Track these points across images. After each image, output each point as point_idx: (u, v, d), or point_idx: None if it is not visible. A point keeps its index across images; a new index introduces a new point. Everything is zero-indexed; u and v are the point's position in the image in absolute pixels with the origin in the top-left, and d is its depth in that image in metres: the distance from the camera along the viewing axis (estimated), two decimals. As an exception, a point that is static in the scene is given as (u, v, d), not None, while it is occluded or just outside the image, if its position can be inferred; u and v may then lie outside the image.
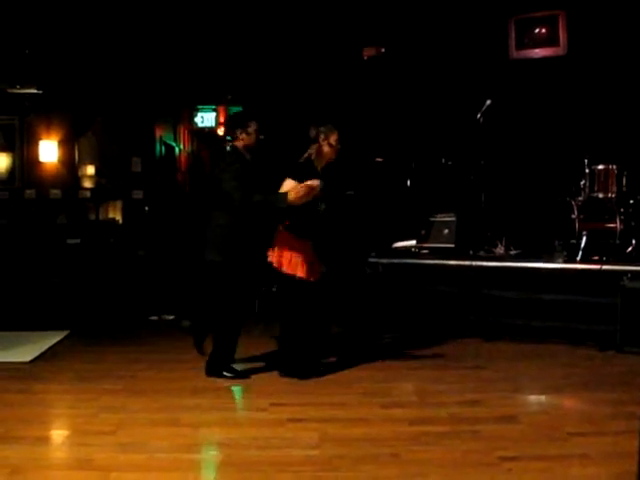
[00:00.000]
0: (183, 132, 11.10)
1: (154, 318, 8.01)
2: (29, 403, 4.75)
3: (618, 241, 6.84)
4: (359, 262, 7.47)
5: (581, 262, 6.67)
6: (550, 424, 4.15)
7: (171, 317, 8.05)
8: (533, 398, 4.98)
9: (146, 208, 9.00)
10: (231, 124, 5.58)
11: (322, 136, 5.31)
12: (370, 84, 8.81)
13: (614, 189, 7.03)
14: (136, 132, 9.01)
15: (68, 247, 8.63)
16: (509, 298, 6.70)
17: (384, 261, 7.40)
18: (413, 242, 8.02)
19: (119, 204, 9.10)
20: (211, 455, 3.95)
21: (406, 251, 7.91)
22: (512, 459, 3.59)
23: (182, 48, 8.84)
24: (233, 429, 4.29)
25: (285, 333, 5.33)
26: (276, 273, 5.26)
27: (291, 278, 5.18)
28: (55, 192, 8.94)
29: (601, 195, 7.06)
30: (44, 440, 4.12)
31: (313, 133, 5.34)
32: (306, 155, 5.35)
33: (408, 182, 8.43)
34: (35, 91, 8.79)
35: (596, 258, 6.69)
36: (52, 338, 6.76)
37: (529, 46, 8.70)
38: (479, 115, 7.61)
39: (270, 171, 5.47)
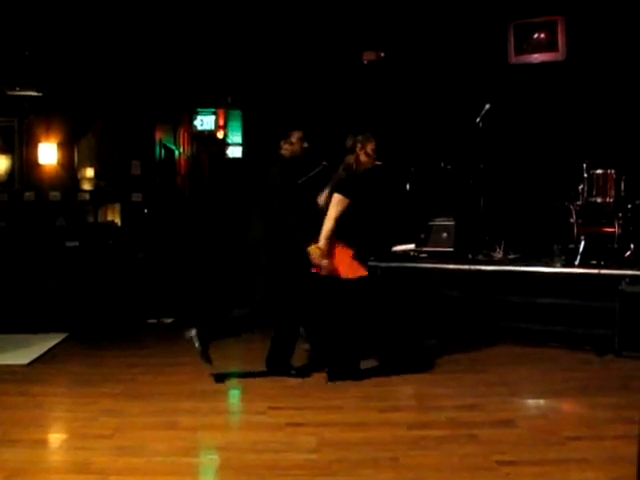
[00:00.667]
0: (183, 135, 11.11)
1: (153, 321, 8.01)
2: (27, 406, 4.75)
3: (616, 245, 6.86)
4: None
5: (579, 266, 6.68)
6: (548, 428, 4.15)
7: (170, 320, 8.05)
8: (531, 402, 4.97)
9: (145, 211, 8.99)
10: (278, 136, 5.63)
11: (359, 145, 5.34)
12: (370, 88, 8.83)
13: (612, 193, 7.05)
14: (136, 135, 9.01)
15: (67, 249, 8.62)
16: (507, 302, 6.71)
17: (383, 265, 7.40)
18: (412, 246, 8.03)
19: (118, 207, 9.09)
20: (210, 459, 3.94)
21: (405, 255, 7.91)
22: (510, 463, 3.59)
23: (182, 51, 8.85)
24: (232, 433, 4.30)
25: (339, 337, 5.31)
26: (326, 282, 5.26)
27: (352, 282, 5.18)
28: (54, 194, 8.93)
29: (599, 199, 7.08)
30: (42, 443, 4.12)
31: (350, 143, 5.37)
32: (344, 166, 5.35)
33: (407, 186, 8.43)
34: (34, 93, 8.78)
35: (594, 262, 6.70)
36: (50, 341, 6.76)
37: (528, 51, 8.72)
38: (478, 119, 7.62)
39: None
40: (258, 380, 5.32)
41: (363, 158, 5.35)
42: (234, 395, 5.08)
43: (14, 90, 8.76)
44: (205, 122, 11.43)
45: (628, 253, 6.87)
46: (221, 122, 11.54)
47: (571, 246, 6.96)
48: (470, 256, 7.48)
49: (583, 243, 6.83)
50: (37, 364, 5.97)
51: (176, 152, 10.62)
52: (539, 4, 8.58)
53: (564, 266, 6.76)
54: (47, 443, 4.19)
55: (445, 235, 7.81)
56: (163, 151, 9.72)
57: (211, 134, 11.53)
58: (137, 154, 9.04)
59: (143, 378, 5.48)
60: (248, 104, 9.84)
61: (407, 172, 8.46)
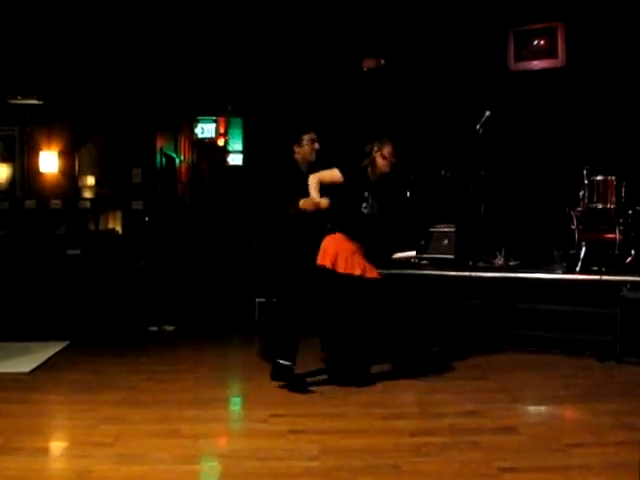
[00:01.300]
0: (183, 143, 11.13)
1: (154, 329, 8.00)
2: (28, 414, 4.74)
3: (617, 252, 6.85)
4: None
5: (580, 273, 6.68)
6: (550, 435, 4.15)
7: (171, 328, 8.05)
8: (533, 409, 4.97)
9: (146, 219, 9.00)
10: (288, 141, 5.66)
11: (375, 148, 5.42)
12: (370, 95, 8.84)
13: (613, 200, 7.05)
14: (137, 143, 9.03)
15: (68, 258, 8.63)
16: (508, 309, 6.71)
17: (383, 272, 7.39)
18: (413, 253, 8.03)
19: (119, 215, 9.11)
20: (211, 466, 3.94)
21: (405, 262, 7.91)
22: (512, 470, 3.58)
23: (182, 59, 8.88)
24: (233, 440, 4.29)
25: (346, 340, 5.33)
26: (329, 277, 5.25)
27: (349, 278, 5.20)
28: (55, 202, 8.94)
29: (600, 206, 7.08)
30: (43, 451, 4.10)
31: (368, 147, 5.47)
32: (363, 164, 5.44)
33: (408, 193, 8.44)
34: (36, 101, 8.80)
35: (595, 269, 6.70)
36: (52, 349, 6.76)
37: (528, 58, 8.73)
38: (478, 126, 7.63)
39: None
40: (260, 387, 5.31)
41: (379, 161, 5.43)
42: (236, 403, 5.07)
43: (15, 99, 8.79)
44: (206, 130, 11.48)
45: (629, 259, 6.87)
46: (222, 130, 11.58)
47: (572, 252, 6.96)
48: (471, 263, 7.49)
49: (584, 249, 6.83)
50: (38, 372, 5.97)
51: (177, 160, 10.64)
52: (539, 11, 8.60)
53: (565, 272, 6.76)
54: (48, 451, 4.18)
55: (446, 242, 7.82)
56: (164, 159, 9.74)
57: (212, 142, 11.58)
58: (138, 162, 9.05)
59: (144, 386, 5.47)
60: (249, 112, 9.85)
61: (407, 179, 8.47)
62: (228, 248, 9.39)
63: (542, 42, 8.66)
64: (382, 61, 9.08)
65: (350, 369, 5.32)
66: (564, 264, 6.93)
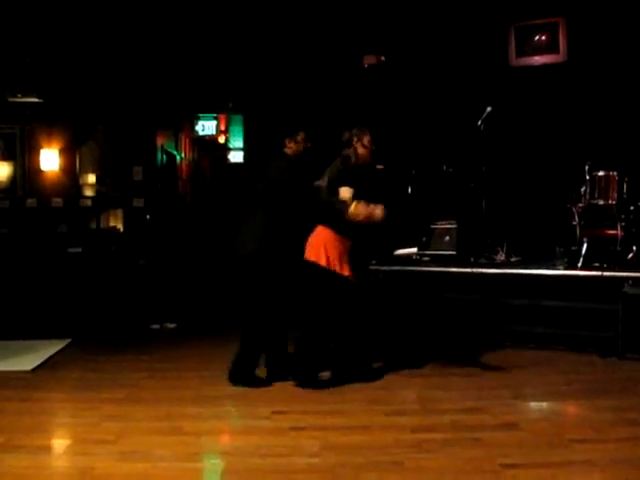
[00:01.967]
0: (184, 140, 11.12)
1: (155, 326, 8.02)
2: (30, 412, 4.75)
3: (619, 248, 6.84)
4: (360, 269, 7.46)
5: (582, 269, 6.67)
6: (552, 431, 4.15)
7: (172, 325, 8.06)
8: (535, 405, 4.97)
9: (147, 216, 9.01)
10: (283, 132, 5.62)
11: (355, 138, 5.35)
12: (371, 92, 8.83)
13: (615, 196, 7.03)
14: (137, 140, 9.03)
15: (69, 256, 8.63)
16: (510, 305, 6.70)
17: (385, 268, 7.40)
18: (414, 249, 8.02)
19: (120, 212, 9.11)
20: (213, 464, 3.94)
21: (407, 258, 7.91)
22: (514, 466, 3.58)
23: (183, 56, 8.87)
24: (235, 437, 4.30)
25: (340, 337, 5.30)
26: (316, 272, 5.19)
27: (337, 276, 5.16)
28: (56, 201, 8.94)
29: (602, 202, 7.07)
30: (46, 449, 4.12)
31: (346, 136, 5.37)
32: (342, 159, 5.35)
33: (409, 189, 8.43)
34: (36, 100, 8.80)
35: (597, 265, 6.70)
36: (53, 347, 6.76)
37: (529, 53, 8.72)
38: (480, 122, 7.62)
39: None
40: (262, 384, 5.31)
41: (361, 150, 5.36)
42: (238, 400, 5.06)
43: (16, 97, 8.79)
44: (206, 127, 11.46)
45: (631, 255, 6.86)
46: (222, 127, 11.57)
47: (574, 248, 6.95)
48: (472, 259, 7.48)
49: (585, 245, 6.82)
50: (40, 370, 5.98)
51: (177, 157, 10.63)
52: (540, 6, 8.59)
53: (567, 268, 6.75)
54: (51, 449, 4.19)
55: (447, 238, 7.80)
56: (164, 157, 9.73)
57: (212, 139, 11.56)
58: (139, 160, 9.05)
59: (146, 383, 5.48)
60: (249, 109, 9.84)
61: (409, 175, 8.45)
62: (229, 245, 9.38)
63: (543, 37, 8.64)
64: (383, 57, 9.07)
65: (351, 365, 5.30)
66: (565, 260, 6.92)
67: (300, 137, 5.47)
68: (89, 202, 9.06)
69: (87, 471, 3.65)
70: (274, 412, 4.61)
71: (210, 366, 5.86)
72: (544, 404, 4.94)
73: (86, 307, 8.14)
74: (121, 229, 9.09)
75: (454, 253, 7.68)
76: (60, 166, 8.97)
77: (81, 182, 9.09)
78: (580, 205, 7.13)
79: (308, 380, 5.18)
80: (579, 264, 6.75)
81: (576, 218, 7.02)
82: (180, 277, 8.93)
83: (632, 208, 6.99)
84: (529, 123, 8.44)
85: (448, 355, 6.20)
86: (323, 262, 5.14)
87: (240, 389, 5.19)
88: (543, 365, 5.86)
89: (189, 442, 4.10)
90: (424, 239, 7.95)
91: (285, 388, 5.20)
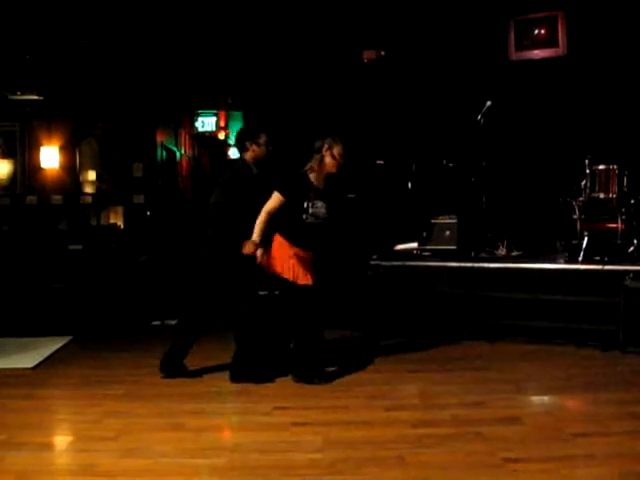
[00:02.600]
0: (184, 137, 11.12)
1: (157, 323, 8.01)
2: (32, 409, 4.75)
3: (620, 241, 6.84)
4: (361, 265, 7.47)
5: (583, 262, 6.66)
6: (554, 425, 4.15)
7: (174, 322, 8.05)
8: (536, 399, 4.97)
9: (148, 213, 9.00)
10: (241, 135, 5.55)
11: (325, 146, 5.23)
12: (370, 87, 8.83)
13: (615, 189, 7.02)
14: (137, 137, 9.02)
15: (70, 253, 8.63)
16: (511, 299, 6.70)
17: (385, 263, 7.40)
18: (415, 244, 8.03)
19: (120, 209, 9.11)
20: (215, 460, 3.94)
21: (408, 253, 7.91)
22: (516, 460, 3.58)
23: (182, 53, 8.86)
24: (237, 433, 4.30)
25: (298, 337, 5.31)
26: (268, 277, 5.30)
27: (285, 281, 5.21)
28: (56, 198, 8.94)
29: (602, 195, 7.06)
30: (48, 446, 4.12)
31: (318, 144, 5.27)
32: (307, 167, 5.28)
33: (409, 184, 8.42)
34: (36, 97, 8.80)
35: (598, 258, 6.69)
36: (55, 344, 6.77)
37: (529, 47, 8.71)
38: (479, 116, 7.61)
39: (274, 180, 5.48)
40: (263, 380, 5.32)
41: (328, 160, 5.23)
42: (239, 396, 5.06)
43: (16, 94, 8.78)
44: (206, 123, 11.46)
45: (631, 249, 6.85)
46: (222, 123, 11.56)
47: (574, 242, 6.95)
48: (473, 254, 7.47)
49: (586, 239, 6.81)
50: (42, 367, 5.98)
51: (177, 154, 10.63)
52: (539, 0, 8.58)
53: (567, 262, 6.75)
54: (52, 446, 4.19)
55: (448, 233, 7.81)
56: (164, 153, 9.73)
57: (212, 135, 11.55)
58: (138, 156, 9.05)
59: (148, 380, 5.47)
60: (249, 105, 9.84)
61: (409, 170, 8.45)
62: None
63: (543, 31, 8.64)
64: (382, 52, 9.06)
65: (303, 365, 5.25)
66: (566, 254, 6.92)
67: (262, 140, 5.38)
68: (89, 199, 9.06)
69: (89, 468, 3.65)
70: (275, 408, 4.62)
71: (211, 362, 5.85)
72: (545, 398, 4.94)
73: (87, 304, 8.14)
74: (121, 226, 9.09)
75: (455, 248, 7.68)
76: (60, 163, 8.97)
77: (81, 179, 9.09)
78: (580, 199, 7.12)
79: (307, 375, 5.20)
80: (580, 258, 6.74)
81: (577, 212, 7.02)
82: (181, 273, 8.92)
83: (632, 201, 6.98)
84: (529, 117, 8.43)
85: (449, 350, 6.20)
86: (284, 274, 5.21)
87: (241, 385, 5.19)
88: (544, 359, 5.86)
89: (190, 438, 4.10)
90: (425, 234, 7.95)
91: (286, 384, 5.20)
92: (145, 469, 3.63)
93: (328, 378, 5.27)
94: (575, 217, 7.02)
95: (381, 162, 8.64)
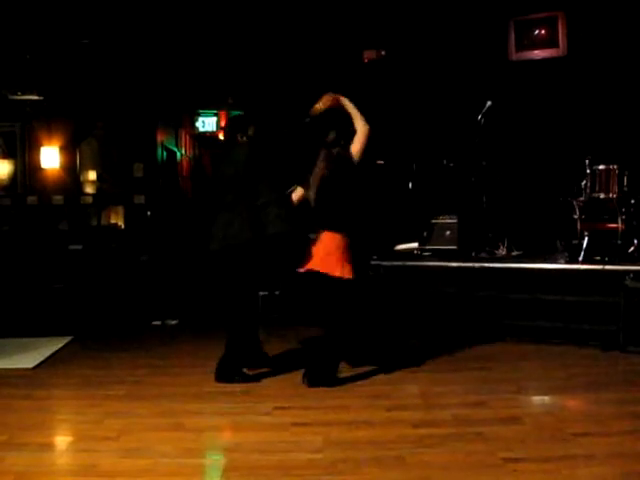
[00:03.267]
0: (184, 137, 11.11)
1: (157, 323, 8.01)
2: (33, 409, 4.75)
3: (620, 241, 6.84)
4: (361, 265, 7.46)
5: (583, 262, 6.67)
6: (554, 425, 4.14)
7: (174, 322, 8.06)
8: (537, 399, 4.97)
9: (148, 213, 9.00)
10: (231, 127, 5.58)
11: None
12: (371, 87, 8.82)
13: (615, 189, 7.02)
14: (137, 137, 9.02)
15: (70, 253, 8.64)
16: (511, 299, 6.70)
17: (386, 263, 7.40)
18: (415, 244, 8.03)
19: (121, 209, 9.11)
20: (215, 460, 3.94)
21: (408, 253, 7.91)
22: (517, 460, 3.58)
23: (183, 53, 8.86)
24: (237, 433, 4.29)
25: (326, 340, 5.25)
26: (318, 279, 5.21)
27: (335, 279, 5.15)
28: (57, 198, 8.94)
29: (602, 195, 7.06)
30: (48, 446, 4.12)
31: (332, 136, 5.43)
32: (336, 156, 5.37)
33: (409, 184, 8.42)
34: (36, 97, 8.79)
35: (598, 258, 6.69)
36: (55, 344, 6.77)
37: (529, 47, 8.72)
38: (480, 116, 7.62)
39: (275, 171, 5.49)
40: (264, 380, 5.32)
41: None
42: (239, 396, 5.06)
43: (16, 94, 8.78)
44: (207, 123, 11.44)
45: (632, 249, 6.86)
46: (223, 123, 11.54)
47: (575, 242, 6.95)
48: (473, 254, 7.48)
49: (586, 239, 6.82)
50: (42, 367, 5.98)
51: (178, 154, 10.62)
52: (539, 0, 8.58)
53: (568, 262, 6.76)
54: (53, 446, 4.19)
55: (448, 233, 7.81)
56: (165, 153, 9.73)
57: (213, 135, 11.53)
58: (139, 156, 9.05)
59: (148, 380, 5.48)
60: (250, 105, 9.83)
61: (409, 170, 8.46)
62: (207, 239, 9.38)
63: (543, 31, 8.64)
64: (383, 52, 9.06)
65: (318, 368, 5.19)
66: (567, 254, 6.92)
67: (251, 131, 5.42)
68: (90, 199, 9.06)
69: (89, 468, 3.65)
70: (276, 408, 4.62)
71: (211, 362, 5.84)
72: (546, 398, 4.94)
73: (87, 304, 8.14)
74: (122, 226, 9.09)
75: (455, 248, 7.69)
76: (60, 163, 8.97)
77: (82, 179, 9.09)
78: (581, 199, 7.13)
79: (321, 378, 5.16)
80: (580, 258, 6.74)
81: (577, 212, 7.02)
82: (181, 273, 8.93)
83: (633, 201, 6.98)
84: (529, 117, 8.44)
85: (449, 350, 6.20)
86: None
87: (241, 385, 5.19)
88: (545, 359, 5.86)
89: (191, 438, 4.10)
90: (425, 234, 7.96)
91: (287, 384, 5.20)
92: (146, 469, 3.63)
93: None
94: (575, 217, 7.03)
95: (381, 162, 8.64)
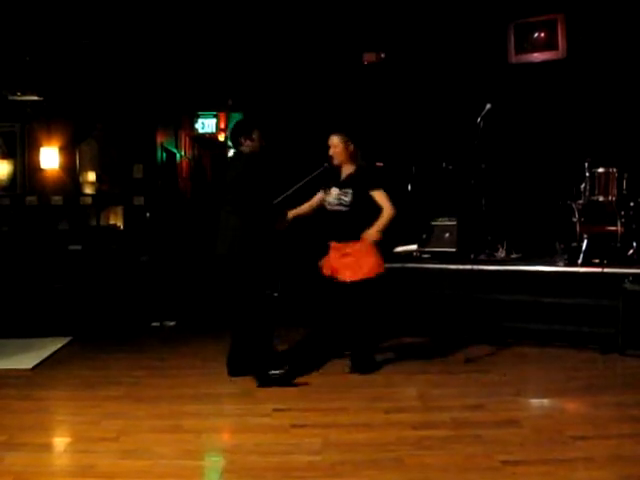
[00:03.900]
0: (184, 138, 11.11)
1: (156, 324, 8.01)
2: (31, 410, 4.75)
3: (619, 244, 6.85)
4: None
5: (582, 265, 6.68)
6: (553, 428, 4.15)
7: (173, 323, 8.06)
8: (536, 402, 4.97)
9: (147, 214, 9.00)
10: (235, 131, 5.58)
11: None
12: (370, 89, 8.83)
13: (614, 192, 7.04)
14: (137, 138, 9.01)
15: (70, 253, 8.63)
16: (510, 302, 6.70)
17: (385, 265, 7.38)
18: (414, 246, 8.03)
19: (120, 210, 9.09)
20: (214, 461, 3.94)
21: (407, 255, 7.91)
22: (515, 463, 3.58)
23: (182, 54, 8.85)
24: (236, 435, 4.29)
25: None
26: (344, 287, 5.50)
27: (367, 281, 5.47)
28: (56, 198, 8.93)
29: (601, 198, 7.08)
30: (47, 447, 4.12)
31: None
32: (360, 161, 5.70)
33: (409, 186, 8.43)
34: (36, 98, 8.78)
35: (597, 261, 6.70)
36: (54, 345, 6.77)
37: (528, 50, 8.72)
38: (479, 119, 7.60)
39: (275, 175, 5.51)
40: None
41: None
42: (238, 397, 5.06)
43: (16, 95, 8.77)
44: (206, 125, 11.43)
45: (631, 251, 6.87)
46: (222, 125, 11.54)
47: (574, 245, 6.95)
48: (472, 256, 7.47)
49: (586, 242, 6.82)
50: (41, 368, 5.98)
51: (177, 155, 10.62)
52: (539, 3, 8.59)
53: (567, 265, 6.76)
54: (52, 447, 4.19)
55: (447, 235, 7.81)
56: (164, 154, 9.72)
57: (212, 137, 11.54)
58: (139, 157, 9.03)
59: (147, 381, 5.48)
60: (249, 106, 9.83)
61: (408, 172, 8.46)
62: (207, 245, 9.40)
63: (542, 34, 8.64)
64: (382, 55, 9.06)
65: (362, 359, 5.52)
66: (566, 257, 6.92)
67: (255, 135, 5.43)
68: (89, 200, 9.04)
69: (88, 469, 3.65)
70: (275, 409, 4.62)
71: (210, 364, 5.86)
72: (545, 401, 4.94)
73: (87, 305, 8.14)
74: (121, 227, 9.08)
75: (454, 250, 7.69)
76: (60, 164, 8.95)
77: (81, 180, 9.07)
78: (580, 202, 7.14)
79: None
80: (579, 261, 6.75)
81: (576, 215, 7.02)
82: (180, 275, 8.92)
83: (632, 204, 7.00)
84: (529, 120, 8.44)
85: (448, 352, 6.20)
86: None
87: (240, 387, 5.19)
88: (544, 362, 5.87)
89: (190, 440, 4.10)
90: (424, 236, 7.95)
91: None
92: (144, 470, 3.63)
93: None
94: (574, 220, 7.03)
95: (381, 164, 8.63)
